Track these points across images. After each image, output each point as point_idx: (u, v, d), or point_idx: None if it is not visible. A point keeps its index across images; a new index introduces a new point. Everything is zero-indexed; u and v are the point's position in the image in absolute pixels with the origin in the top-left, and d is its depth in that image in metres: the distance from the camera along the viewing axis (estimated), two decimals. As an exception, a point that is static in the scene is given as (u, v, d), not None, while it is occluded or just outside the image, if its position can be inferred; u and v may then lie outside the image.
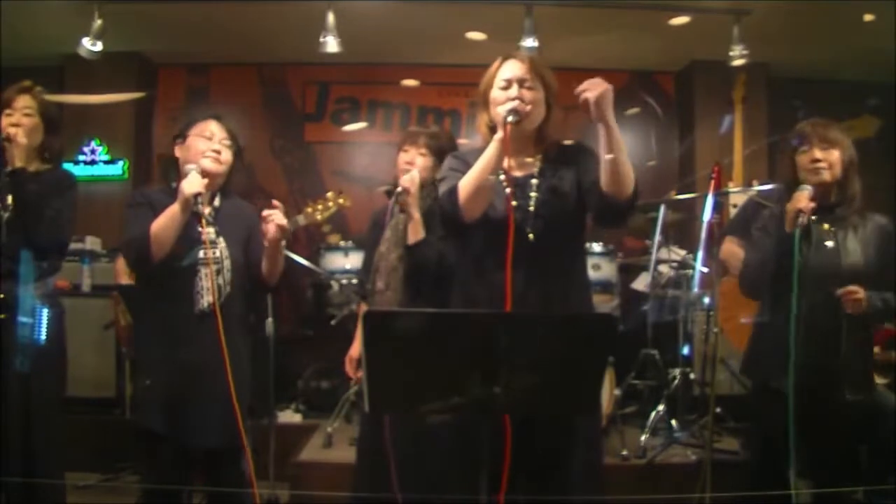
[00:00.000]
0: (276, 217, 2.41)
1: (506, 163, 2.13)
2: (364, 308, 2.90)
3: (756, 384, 2.77)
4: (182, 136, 2.51)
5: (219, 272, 2.42)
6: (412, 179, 2.64)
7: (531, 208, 2.14)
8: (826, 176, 2.50)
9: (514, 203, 2.13)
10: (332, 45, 4.35)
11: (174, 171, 2.50)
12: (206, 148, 2.45)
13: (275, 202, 2.48)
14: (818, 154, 2.50)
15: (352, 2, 4.36)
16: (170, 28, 4.94)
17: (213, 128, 2.50)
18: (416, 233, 2.64)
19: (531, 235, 2.12)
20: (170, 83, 5.68)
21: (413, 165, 2.73)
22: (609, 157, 1.99)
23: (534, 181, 2.18)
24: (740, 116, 4.98)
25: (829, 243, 2.50)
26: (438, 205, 2.21)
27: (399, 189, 2.63)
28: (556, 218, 2.14)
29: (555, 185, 2.16)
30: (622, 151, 2.00)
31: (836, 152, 2.51)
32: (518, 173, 2.20)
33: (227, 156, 2.51)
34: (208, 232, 2.42)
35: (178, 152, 2.51)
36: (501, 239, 2.03)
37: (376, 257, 2.74)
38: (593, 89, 1.94)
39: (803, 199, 2.41)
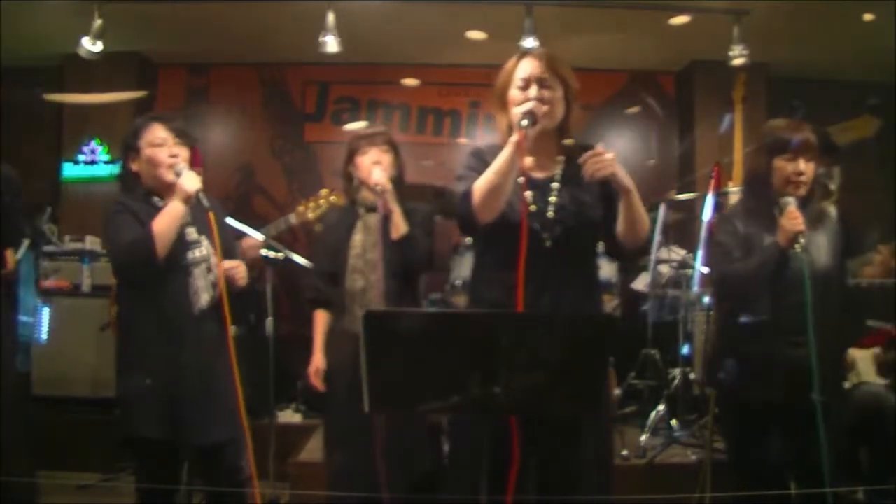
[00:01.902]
0: (236, 275, 2.49)
1: (525, 164, 2.11)
2: (322, 315, 2.88)
3: (725, 392, 2.67)
4: (133, 149, 2.47)
5: (209, 270, 2.44)
6: (384, 176, 2.66)
7: (550, 214, 2.10)
8: (803, 190, 2.48)
9: (532, 207, 2.09)
10: (332, 45, 4.35)
11: (139, 185, 2.48)
12: (165, 157, 2.42)
13: (232, 267, 2.50)
14: (802, 167, 2.46)
15: (352, 2, 4.36)
16: (170, 28, 4.93)
17: (160, 133, 2.45)
18: (399, 227, 2.66)
19: (548, 242, 2.09)
20: (170, 83, 5.67)
21: (380, 164, 2.74)
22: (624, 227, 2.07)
23: (554, 185, 2.14)
24: (740, 116, 4.98)
25: (797, 246, 2.45)
26: (454, 206, 2.16)
27: (379, 188, 2.65)
28: (574, 224, 2.10)
29: (576, 192, 2.12)
30: (640, 208, 2.05)
31: (813, 165, 2.49)
32: (539, 175, 2.16)
33: (184, 155, 2.48)
34: (190, 232, 2.44)
35: (135, 166, 2.48)
36: (522, 243, 2.01)
37: (351, 257, 2.74)
38: (602, 168, 1.95)
39: (798, 218, 2.37)
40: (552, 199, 2.12)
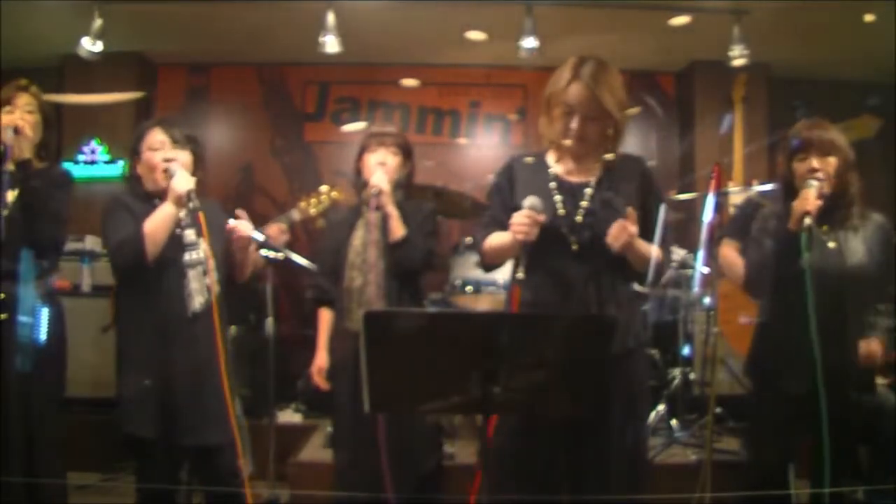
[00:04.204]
0: (239, 229, 2.48)
1: (561, 168, 2.20)
2: (326, 313, 2.89)
3: (757, 385, 2.74)
4: (136, 152, 2.51)
5: (205, 273, 2.44)
6: (384, 178, 2.67)
7: (578, 218, 2.13)
8: (824, 186, 2.45)
9: (562, 211, 2.13)
10: (332, 45, 4.35)
11: (140, 187, 2.51)
12: (159, 161, 2.44)
13: (238, 212, 2.52)
14: (816, 164, 2.46)
15: (352, 2, 4.36)
16: (170, 28, 4.94)
17: (159, 137, 2.48)
18: (395, 231, 2.67)
19: (575, 245, 2.11)
20: (170, 83, 5.67)
21: (385, 166, 2.74)
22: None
23: (588, 190, 2.16)
24: (740, 116, 4.98)
25: (831, 244, 2.47)
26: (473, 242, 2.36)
27: (375, 190, 2.65)
28: (603, 230, 2.11)
29: (609, 198, 2.14)
30: (649, 261, 2.10)
31: (834, 159, 2.46)
32: (574, 179, 2.19)
33: (182, 159, 2.49)
34: (188, 234, 2.44)
35: (138, 170, 2.52)
36: (549, 246, 2.06)
37: (351, 255, 2.74)
38: (617, 240, 2.03)
39: (811, 198, 2.37)
40: (583, 203, 2.14)
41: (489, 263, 2.29)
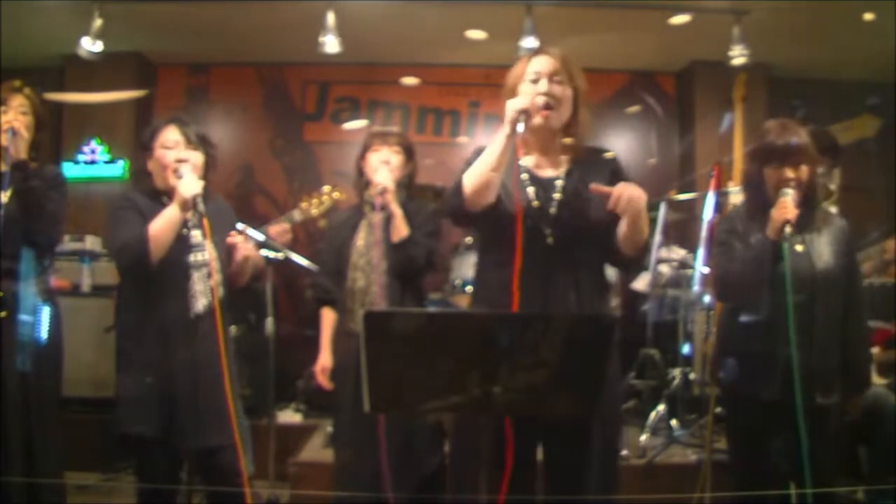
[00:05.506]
0: (240, 248, 2.47)
1: (530, 161, 2.15)
2: (328, 313, 2.90)
3: (728, 390, 2.66)
4: (148, 148, 2.50)
5: (209, 275, 2.44)
6: (388, 177, 2.66)
7: (552, 210, 2.10)
8: (797, 195, 2.42)
9: (535, 203, 2.10)
10: (332, 45, 4.36)
11: (150, 184, 2.51)
12: (171, 160, 2.43)
13: (234, 233, 2.49)
14: (790, 174, 2.42)
15: (352, 2, 4.37)
16: (170, 28, 4.94)
17: (173, 136, 2.47)
18: (399, 230, 2.67)
19: (550, 239, 2.08)
20: (170, 83, 5.67)
21: (388, 164, 2.74)
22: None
23: (559, 182, 2.13)
24: (740, 116, 4.98)
25: (799, 247, 2.44)
26: (444, 197, 2.18)
27: (379, 188, 2.65)
28: (577, 222, 2.09)
29: (580, 190, 2.11)
30: (644, 225, 2.07)
31: (806, 168, 2.44)
32: (544, 173, 2.16)
33: (195, 160, 2.47)
34: (195, 235, 2.44)
35: (150, 166, 2.51)
36: (522, 238, 2.02)
37: (354, 255, 2.74)
38: (631, 204, 1.99)
39: (790, 207, 2.35)
40: (556, 195, 2.11)
41: (470, 197, 2.05)
